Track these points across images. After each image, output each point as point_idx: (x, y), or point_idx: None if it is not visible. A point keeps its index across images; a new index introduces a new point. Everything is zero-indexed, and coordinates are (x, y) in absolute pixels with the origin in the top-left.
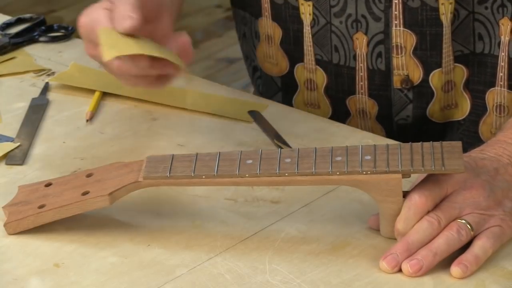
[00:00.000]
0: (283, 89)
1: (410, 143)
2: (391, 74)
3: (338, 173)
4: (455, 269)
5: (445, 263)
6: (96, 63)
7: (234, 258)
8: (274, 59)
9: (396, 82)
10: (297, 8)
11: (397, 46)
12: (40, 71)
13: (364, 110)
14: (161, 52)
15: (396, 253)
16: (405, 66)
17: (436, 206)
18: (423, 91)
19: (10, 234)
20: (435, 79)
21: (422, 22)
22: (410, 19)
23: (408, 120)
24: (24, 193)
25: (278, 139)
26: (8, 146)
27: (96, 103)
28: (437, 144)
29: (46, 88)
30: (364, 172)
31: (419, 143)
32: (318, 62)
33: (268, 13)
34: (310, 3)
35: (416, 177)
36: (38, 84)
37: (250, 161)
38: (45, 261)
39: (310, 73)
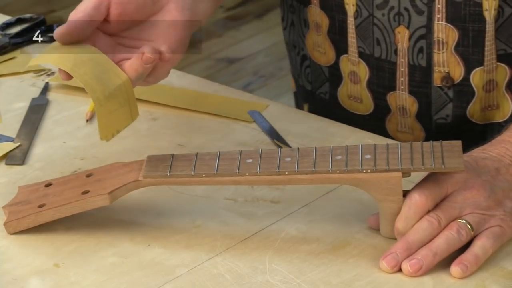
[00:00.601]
0: (330, 80)
1: (410, 142)
2: (431, 71)
3: (338, 171)
4: (455, 268)
5: (445, 263)
6: None
7: (234, 258)
8: (322, 48)
9: (437, 79)
10: None
11: (438, 41)
12: (40, 71)
13: (404, 107)
14: (83, 74)
15: (396, 252)
16: (446, 62)
17: (436, 206)
18: (463, 90)
19: (10, 233)
20: (477, 77)
21: (465, 17)
22: (453, 13)
23: (448, 120)
24: (24, 193)
25: (278, 139)
26: (8, 146)
27: None
28: (437, 143)
29: (46, 88)
30: (364, 171)
31: (419, 142)
32: (361, 54)
33: (317, 1)
34: None
35: (416, 177)
36: (38, 84)
37: (250, 160)
38: (45, 261)
39: (354, 66)
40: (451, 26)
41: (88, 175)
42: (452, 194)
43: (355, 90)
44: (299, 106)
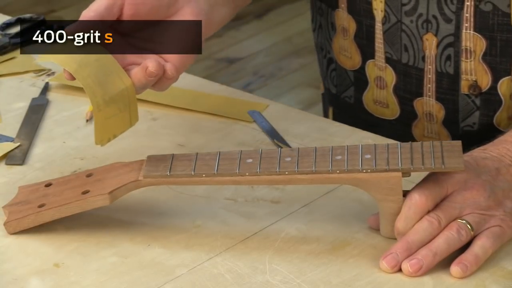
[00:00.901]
0: (355, 84)
1: (410, 142)
2: (459, 78)
3: (338, 171)
4: (455, 268)
5: (445, 263)
6: None
7: (234, 258)
8: (348, 52)
9: (464, 87)
10: (370, 3)
11: (466, 50)
12: (40, 71)
13: (431, 113)
14: (87, 76)
15: (396, 252)
16: (474, 71)
17: (436, 206)
18: (491, 99)
19: (10, 233)
20: (504, 87)
21: (493, 26)
22: (481, 23)
23: (474, 127)
24: (24, 193)
25: (278, 139)
26: (8, 146)
27: None
28: (437, 143)
29: (46, 88)
30: (364, 171)
31: (419, 142)
32: (388, 60)
33: (344, 5)
34: None
35: (416, 177)
36: (38, 84)
37: (250, 160)
38: (45, 261)
39: (380, 71)
40: (479, 35)
41: (88, 175)
42: (452, 194)
43: (381, 95)
44: (325, 108)
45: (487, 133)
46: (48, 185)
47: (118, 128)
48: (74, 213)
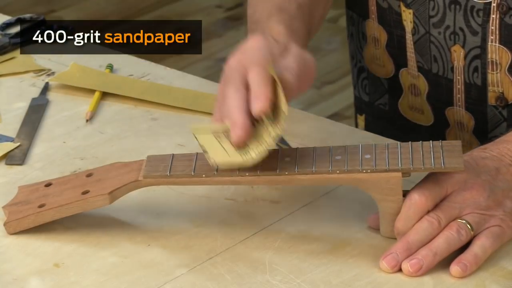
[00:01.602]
0: (389, 91)
1: (409, 142)
2: (486, 90)
3: (338, 171)
4: (454, 268)
5: (445, 263)
6: (96, 63)
7: (234, 258)
8: (380, 61)
9: (491, 98)
10: (399, 14)
11: (492, 62)
12: (40, 71)
13: (462, 122)
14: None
15: (396, 252)
16: (500, 83)
17: (436, 206)
18: None
19: (10, 233)
20: None
21: None
22: (506, 35)
23: None
24: (24, 193)
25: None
26: (8, 146)
27: (96, 103)
28: (437, 143)
29: (46, 88)
30: (364, 171)
31: (419, 142)
32: (420, 69)
33: (375, 16)
34: (411, 11)
35: (416, 177)
36: (38, 84)
37: None
38: (45, 261)
39: (414, 79)
40: (504, 48)
41: (88, 175)
42: (452, 194)
43: (416, 102)
44: (356, 115)
45: None
46: (48, 185)
47: (208, 147)
48: (74, 213)
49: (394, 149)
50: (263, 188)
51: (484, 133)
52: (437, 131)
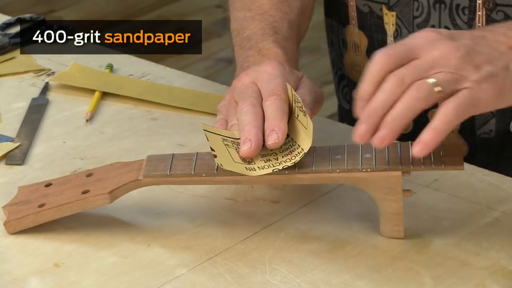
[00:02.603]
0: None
1: (409, 141)
2: None
3: (338, 171)
4: (414, 150)
5: (445, 262)
6: (96, 63)
7: (234, 258)
8: (360, 68)
9: None
10: (381, 18)
11: None
12: (40, 71)
13: None
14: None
15: (361, 122)
16: None
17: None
18: None
19: (10, 233)
20: None
21: None
22: None
23: (491, 135)
24: (24, 193)
25: None
26: (8, 146)
27: (96, 103)
28: None
29: (46, 88)
30: (364, 170)
31: None
32: None
33: (355, 21)
34: (394, 13)
35: (416, 177)
36: (38, 84)
37: None
38: (45, 261)
39: None
40: None
41: (88, 175)
42: (420, 55)
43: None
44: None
45: (503, 140)
46: (48, 185)
47: (216, 148)
48: (74, 212)
49: (394, 148)
50: (263, 188)
51: (471, 131)
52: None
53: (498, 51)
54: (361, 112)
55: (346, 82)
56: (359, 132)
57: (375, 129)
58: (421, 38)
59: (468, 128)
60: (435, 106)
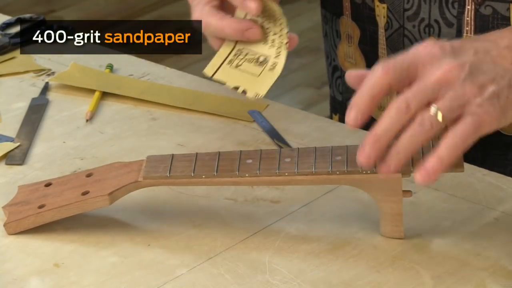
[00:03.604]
0: None
1: None
2: None
3: (338, 172)
4: (416, 176)
5: (445, 262)
6: (96, 63)
7: (234, 258)
8: (353, 59)
9: None
10: (373, 10)
11: None
12: (40, 71)
13: None
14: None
15: (367, 147)
16: None
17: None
18: None
19: (10, 234)
20: None
21: (492, 30)
22: (481, 26)
23: None
24: (24, 193)
25: (278, 138)
26: (8, 146)
27: (96, 103)
28: (437, 143)
29: (46, 88)
30: (364, 172)
31: None
32: None
33: (349, 12)
34: (385, 5)
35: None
36: (38, 84)
37: (250, 161)
38: (45, 261)
39: None
40: None
41: (88, 175)
42: (423, 73)
43: (386, 102)
44: (331, 114)
45: (490, 137)
46: (48, 184)
47: (237, 82)
48: (74, 214)
49: None
50: (263, 188)
51: None
52: None
53: (502, 67)
54: (352, 121)
55: (339, 74)
56: (364, 155)
57: (380, 154)
58: (423, 53)
59: None
60: None
